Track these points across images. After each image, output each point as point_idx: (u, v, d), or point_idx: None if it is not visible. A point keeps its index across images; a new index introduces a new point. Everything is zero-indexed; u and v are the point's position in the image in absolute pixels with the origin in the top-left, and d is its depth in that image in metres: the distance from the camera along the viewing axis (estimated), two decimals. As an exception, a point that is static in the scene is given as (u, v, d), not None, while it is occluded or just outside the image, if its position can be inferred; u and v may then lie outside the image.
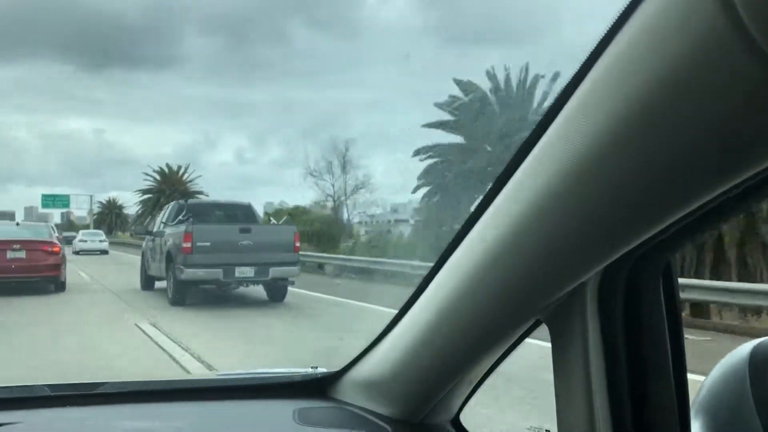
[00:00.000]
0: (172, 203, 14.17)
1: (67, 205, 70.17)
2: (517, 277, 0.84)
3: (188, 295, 11.14)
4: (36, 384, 1.40)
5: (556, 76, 22.57)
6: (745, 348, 0.95)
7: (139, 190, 56.25)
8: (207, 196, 46.33)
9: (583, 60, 0.65)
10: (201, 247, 10.62)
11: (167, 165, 56.93)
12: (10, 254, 12.07)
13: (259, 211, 18.80)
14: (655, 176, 0.61)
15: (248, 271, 10.86)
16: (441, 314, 1.01)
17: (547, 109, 0.71)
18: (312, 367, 1.51)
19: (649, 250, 0.79)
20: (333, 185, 37.96)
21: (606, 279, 0.86)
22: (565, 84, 0.68)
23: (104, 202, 74.06)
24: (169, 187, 53.51)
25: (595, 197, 0.67)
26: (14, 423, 1.26)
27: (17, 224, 14.43)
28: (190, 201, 15.33)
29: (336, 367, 1.41)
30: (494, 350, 1.06)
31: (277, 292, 11.71)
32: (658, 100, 0.56)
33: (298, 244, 11.79)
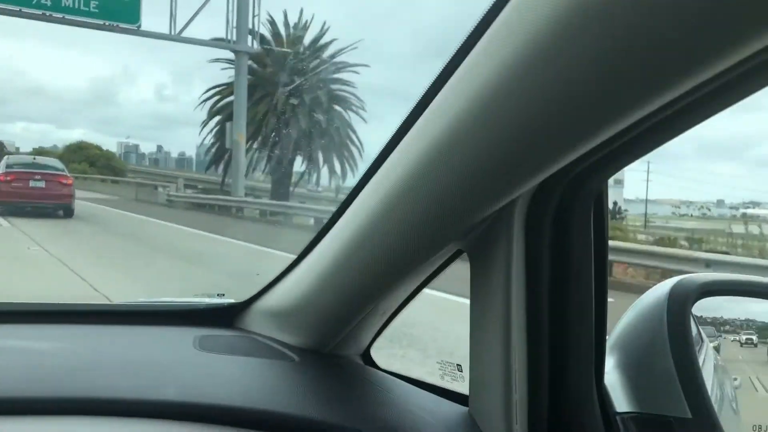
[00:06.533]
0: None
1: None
2: (432, 200, 0.78)
3: None
4: None
5: None
6: (665, 285, 0.95)
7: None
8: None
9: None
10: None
11: None
12: (32, 183, 14.21)
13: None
14: (588, 85, 0.57)
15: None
16: (351, 244, 0.96)
17: (472, 29, 0.67)
18: (219, 295, 1.48)
19: (584, 172, 0.77)
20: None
21: (535, 203, 0.83)
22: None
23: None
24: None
25: (522, 107, 0.63)
26: None
27: (34, 158, 17.05)
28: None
29: (243, 297, 1.38)
30: (409, 282, 1.01)
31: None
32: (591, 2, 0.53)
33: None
